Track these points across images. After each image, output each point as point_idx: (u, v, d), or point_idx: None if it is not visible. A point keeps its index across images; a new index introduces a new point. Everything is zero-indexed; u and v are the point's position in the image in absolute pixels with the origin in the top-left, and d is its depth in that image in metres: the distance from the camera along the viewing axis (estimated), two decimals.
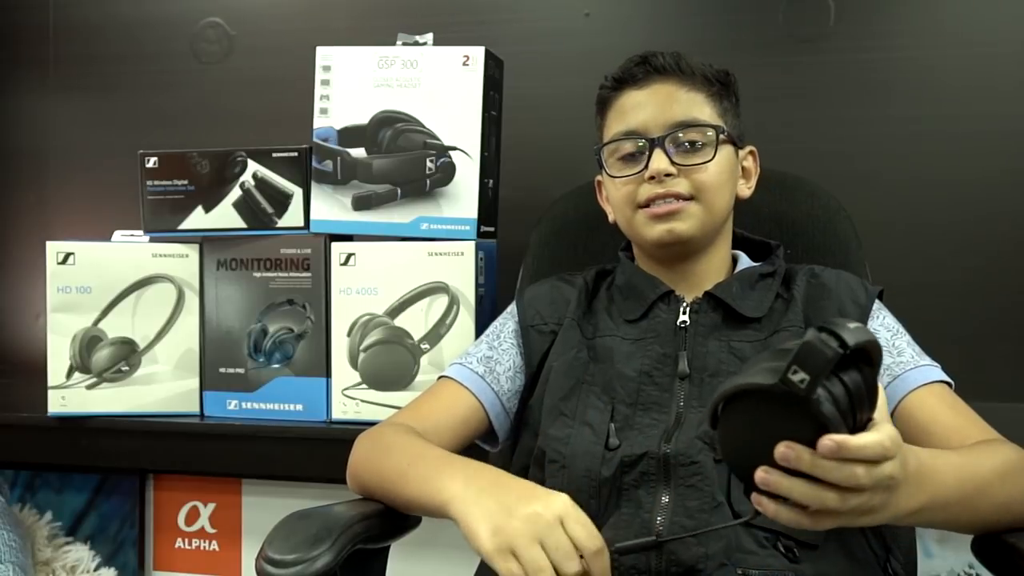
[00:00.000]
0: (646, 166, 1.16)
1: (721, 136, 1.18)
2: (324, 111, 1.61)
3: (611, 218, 1.27)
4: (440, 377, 1.26)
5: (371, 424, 1.59)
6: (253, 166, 1.65)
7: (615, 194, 1.21)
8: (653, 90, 1.19)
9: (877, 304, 1.19)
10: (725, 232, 1.24)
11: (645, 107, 1.18)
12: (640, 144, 1.18)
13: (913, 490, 0.88)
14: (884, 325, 1.18)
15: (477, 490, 0.97)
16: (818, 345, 0.75)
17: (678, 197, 1.16)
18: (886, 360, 1.13)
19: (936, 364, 1.14)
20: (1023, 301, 1.62)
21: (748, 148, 1.26)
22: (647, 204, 1.17)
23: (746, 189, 1.25)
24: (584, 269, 1.31)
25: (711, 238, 1.21)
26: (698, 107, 1.18)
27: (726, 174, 1.19)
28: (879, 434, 0.80)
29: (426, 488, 1.02)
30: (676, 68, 1.18)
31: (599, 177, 1.28)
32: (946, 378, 1.13)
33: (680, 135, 1.17)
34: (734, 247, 1.27)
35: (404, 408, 1.25)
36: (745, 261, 1.26)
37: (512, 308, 1.31)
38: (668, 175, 1.15)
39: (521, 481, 0.99)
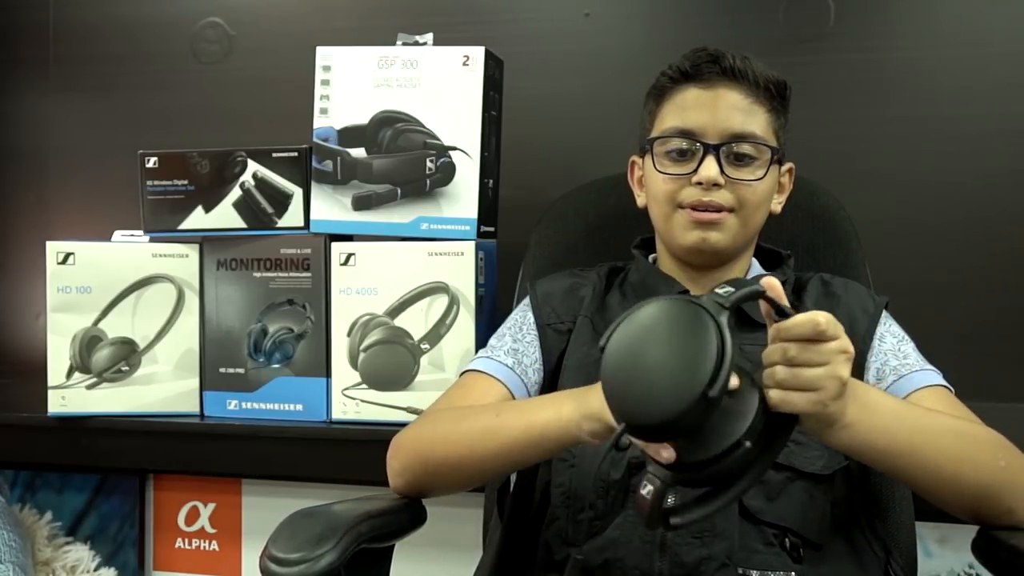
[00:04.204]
0: (695, 170, 1.16)
1: (775, 156, 1.17)
2: (324, 111, 1.61)
3: (640, 202, 1.26)
4: (466, 371, 1.24)
5: (371, 424, 1.59)
6: (253, 166, 1.65)
7: (656, 187, 1.20)
8: (717, 93, 1.17)
9: (884, 313, 1.20)
10: (752, 244, 1.25)
11: (706, 109, 1.16)
12: (694, 146, 1.17)
13: (856, 406, 0.92)
14: (891, 332, 1.19)
15: (580, 399, 1.00)
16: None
17: (719, 209, 1.16)
18: (893, 362, 1.14)
19: (939, 372, 1.15)
20: (1023, 301, 1.63)
21: (788, 165, 1.26)
22: (691, 207, 1.17)
23: (777, 205, 1.25)
24: (596, 265, 1.31)
25: (741, 250, 1.22)
26: (758, 121, 1.17)
27: (769, 192, 1.20)
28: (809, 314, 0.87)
29: (536, 424, 1.03)
30: (744, 75, 1.17)
31: (634, 158, 1.27)
32: (947, 385, 1.13)
33: (736, 147, 1.16)
34: None
35: (436, 402, 1.23)
36: (757, 268, 1.26)
37: (528, 301, 1.30)
38: (715, 185, 1.15)
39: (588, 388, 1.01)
